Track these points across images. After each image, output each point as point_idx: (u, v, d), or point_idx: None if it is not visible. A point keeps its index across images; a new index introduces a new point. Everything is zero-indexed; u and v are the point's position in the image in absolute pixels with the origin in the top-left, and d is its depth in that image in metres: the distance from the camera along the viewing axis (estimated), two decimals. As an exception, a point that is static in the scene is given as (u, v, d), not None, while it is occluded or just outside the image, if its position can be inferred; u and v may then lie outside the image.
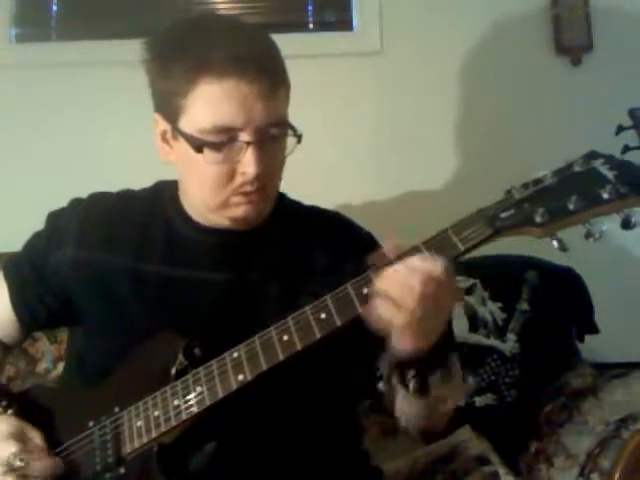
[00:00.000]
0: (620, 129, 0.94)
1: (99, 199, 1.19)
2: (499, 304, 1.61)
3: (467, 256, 0.90)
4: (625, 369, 1.45)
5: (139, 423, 0.98)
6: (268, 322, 0.95)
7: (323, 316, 0.91)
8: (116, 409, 1.00)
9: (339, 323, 0.91)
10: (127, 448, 0.98)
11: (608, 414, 1.32)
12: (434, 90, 1.88)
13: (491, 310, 1.60)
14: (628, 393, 1.35)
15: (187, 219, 1.13)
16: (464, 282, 1.60)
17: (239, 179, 1.02)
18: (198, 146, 1.01)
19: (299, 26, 1.99)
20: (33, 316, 1.17)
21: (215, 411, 0.95)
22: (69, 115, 1.85)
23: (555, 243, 0.86)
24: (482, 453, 1.29)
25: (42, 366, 1.61)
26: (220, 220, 1.09)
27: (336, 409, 1.14)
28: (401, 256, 0.89)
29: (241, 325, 1.03)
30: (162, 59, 1.03)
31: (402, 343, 0.92)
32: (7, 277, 1.18)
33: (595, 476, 1.24)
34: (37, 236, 1.19)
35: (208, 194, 1.05)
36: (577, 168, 0.87)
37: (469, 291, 1.60)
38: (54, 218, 1.19)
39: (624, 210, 0.84)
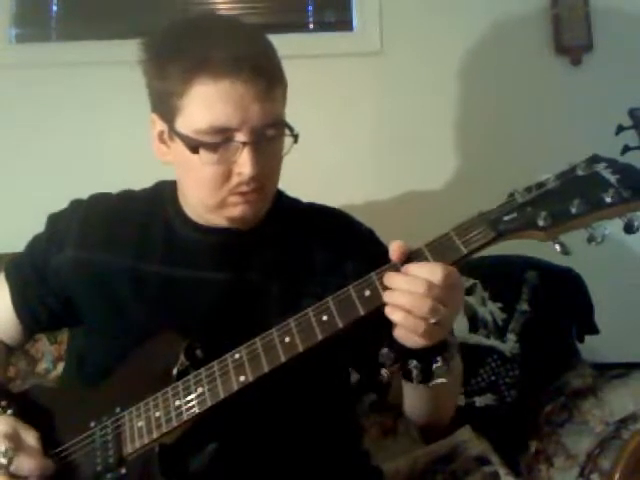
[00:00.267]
0: (620, 129, 0.94)
1: (99, 200, 1.20)
2: (499, 304, 1.60)
3: (467, 256, 0.90)
4: (625, 369, 1.44)
5: (140, 423, 0.98)
6: (268, 322, 0.96)
7: (325, 318, 0.91)
8: (117, 409, 1.01)
9: (341, 325, 0.91)
10: (128, 448, 0.98)
11: (608, 414, 1.32)
12: (434, 90, 1.88)
13: (491, 310, 1.60)
14: (628, 393, 1.35)
15: (186, 219, 1.13)
16: (464, 282, 1.60)
17: (235, 179, 1.02)
18: (194, 147, 1.01)
19: (299, 26, 1.99)
20: (34, 317, 1.18)
21: (216, 412, 0.95)
22: (69, 115, 1.85)
23: (558, 247, 0.86)
24: (482, 453, 1.28)
25: (42, 366, 1.61)
26: (218, 220, 1.09)
27: (336, 409, 1.14)
28: (405, 261, 0.90)
29: (241, 325, 1.03)
30: (159, 60, 1.04)
31: (412, 343, 0.91)
32: (8, 278, 1.19)
33: (595, 476, 1.24)
34: (38, 238, 1.20)
35: (205, 194, 1.05)
36: (580, 172, 0.87)
37: (469, 291, 1.60)
38: (54, 220, 1.19)
39: (627, 214, 0.84)
